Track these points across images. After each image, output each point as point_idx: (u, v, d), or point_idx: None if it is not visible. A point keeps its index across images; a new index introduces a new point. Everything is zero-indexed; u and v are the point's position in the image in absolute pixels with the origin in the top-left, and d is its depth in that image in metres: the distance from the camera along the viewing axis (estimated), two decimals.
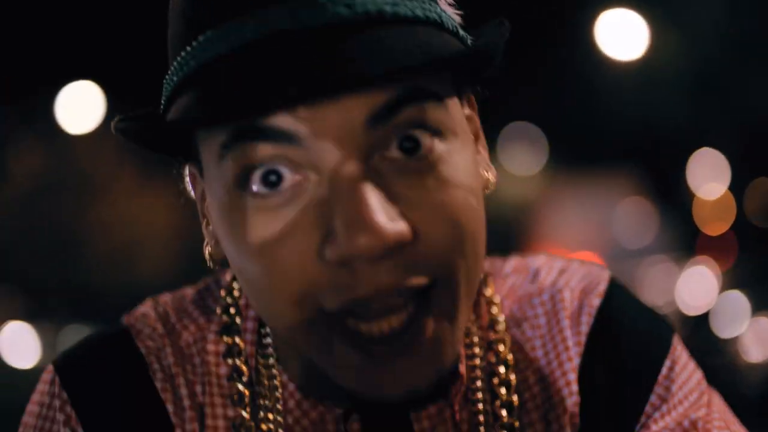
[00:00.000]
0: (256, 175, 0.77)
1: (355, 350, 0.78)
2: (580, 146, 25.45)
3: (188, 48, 0.77)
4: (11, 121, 20.22)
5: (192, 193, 0.93)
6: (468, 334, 0.96)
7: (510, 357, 0.96)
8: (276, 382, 0.91)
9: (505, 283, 1.02)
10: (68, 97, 21.34)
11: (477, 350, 0.95)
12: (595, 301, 0.99)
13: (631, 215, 21.76)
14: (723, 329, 11.22)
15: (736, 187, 22.54)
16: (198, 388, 0.93)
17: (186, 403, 0.93)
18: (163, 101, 0.83)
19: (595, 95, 21.48)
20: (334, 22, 0.73)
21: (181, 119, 0.77)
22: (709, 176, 23.24)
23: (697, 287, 12.50)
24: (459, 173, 0.79)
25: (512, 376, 0.95)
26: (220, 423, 0.93)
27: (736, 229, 18.45)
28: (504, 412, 0.93)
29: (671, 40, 19.39)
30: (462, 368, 0.92)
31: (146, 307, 1.00)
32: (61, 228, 22.24)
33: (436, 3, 0.82)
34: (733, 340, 11.45)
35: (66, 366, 0.95)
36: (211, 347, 0.95)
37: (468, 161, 0.81)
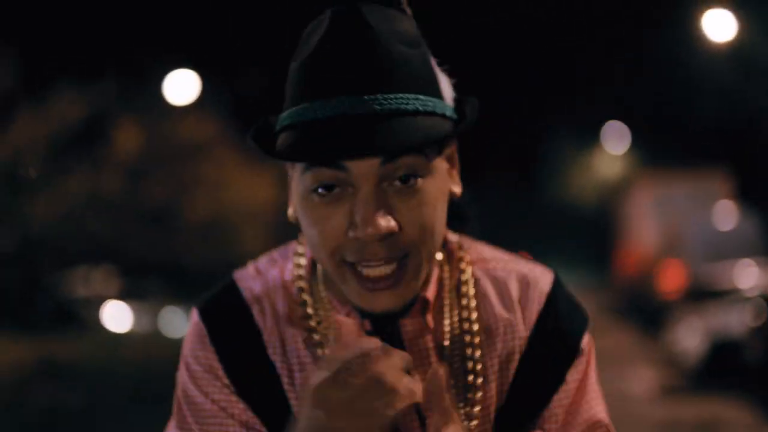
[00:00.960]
0: (321, 185, 1.38)
1: (360, 284, 1.39)
2: (675, 147, 25.24)
3: (294, 108, 1.39)
4: (117, 100, 20.75)
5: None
6: (441, 279, 1.54)
7: (472, 290, 1.54)
8: (324, 295, 1.52)
9: (477, 252, 1.60)
10: (173, 80, 21.91)
11: (447, 286, 1.54)
12: (545, 288, 1.56)
13: (726, 216, 21.44)
14: None
15: None
16: (279, 303, 1.54)
17: (269, 313, 1.53)
18: (280, 123, 1.43)
19: (692, 93, 21.31)
20: (372, 112, 1.34)
21: (284, 153, 1.38)
22: None
23: None
24: (429, 198, 1.39)
25: (473, 304, 1.53)
26: (295, 319, 1.52)
27: None
28: (467, 325, 1.51)
29: (763, 29, 19.12)
30: (429, 295, 1.50)
31: (249, 264, 1.61)
32: (162, 210, 22.72)
33: (431, 95, 1.40)
34: None
35: (203, 308, 1.55)
36: (287, 276, 1.56)
37: (436, 191, 1.41)
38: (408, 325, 1.50)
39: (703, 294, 15.79)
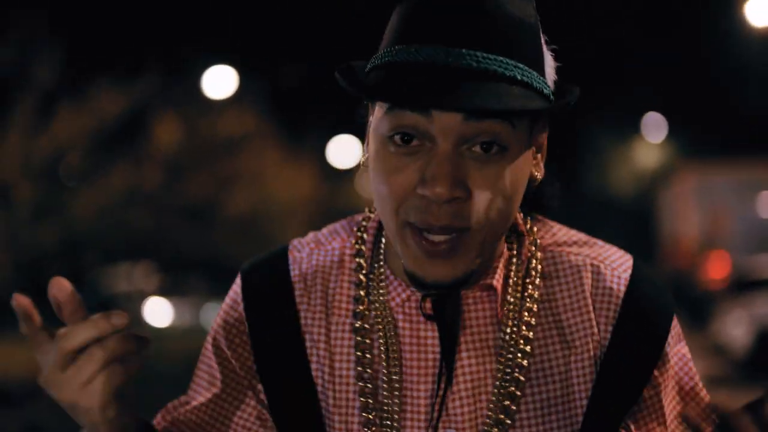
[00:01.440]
0: (399, 133, 1.31)
1: (419, 248, 1.32)
2: (717, 136, 24.99)
3: (394, 47, 1.31)
4: (157, 96, 20.85)
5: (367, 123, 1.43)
6: (508, 268, 1.46)
7: (538, 280, 1.45)
8: (383, 271, 1.45)
9: (552, 234, 1.51)
10: (212, 75, 22.01)
11: (513, 273, 1.45)
12: (625, 275, 1.46)
13: None
14: None
15: None
16: (332, 281, 1.47)
17: (319, 293, 1.46)
18: (371, 63, 1.36)
19: (734, 82, 21.08)
20: (467, 67, 1.27)
21: (369, 89, 1.33)
22: None
23: None
24: (507, 173, 1.32)
25: (536, 294, 1.44)
26: (344, 298, 1.45)
27: None
28: (526, 314, 1.43)
29: None
30: (496, 284, 1.41)
31: (310, 233, 1.55)
32: (202, 205, 22.81)
33: (532, 69, 1.32)
34: None
35: (246, 275, 1.49)
36: (347, 251, 1.49)
37: (516, 169, 1.33)
38: (471, 312, 1.43)
39: (747, 284, 15.71)
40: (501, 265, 1.44)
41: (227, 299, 1.50)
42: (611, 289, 1.45)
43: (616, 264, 1.48)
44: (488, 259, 1.40)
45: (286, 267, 1.49)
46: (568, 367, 1.42)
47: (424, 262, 1.33)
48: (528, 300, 1.44)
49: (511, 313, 1.43)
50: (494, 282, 1.42)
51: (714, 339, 16.02)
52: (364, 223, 1.51)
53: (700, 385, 1.49)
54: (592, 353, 1.43)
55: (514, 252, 1.47)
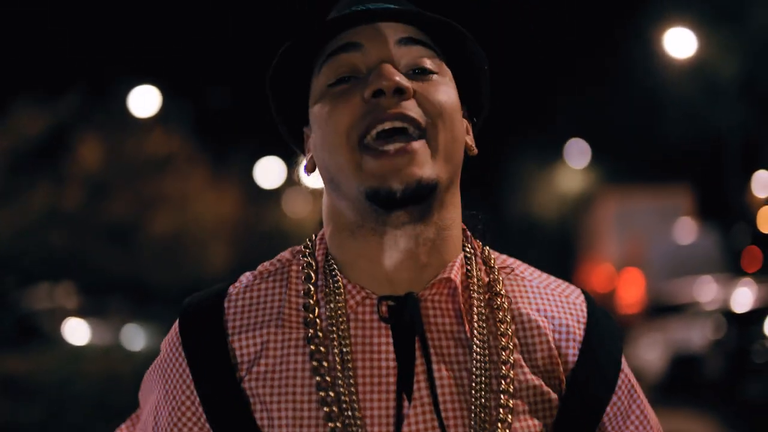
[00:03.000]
0: (337, 78, 1.37)
1: (376, 158, 1.31)
2: (638, 161, 25.43)
3: (327, 17, 1.41)
4: (80, 115, 20.59)
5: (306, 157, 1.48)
6: (468, 261, 1.44)
7: (501, 287, 1.43)
8: (336, 279, 1.39)
9: (503, 258, 1.50)
10: (136, 95, 21.85)
11: (473, 268, 1.43)
12: (580, 297, 1.49)
13: (687, 231, 21.62)
14: None
15: None
16: (278, 298, 1.41)
17: (258, 309, 1.41)
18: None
19: (655, 110, 21.48)
20: (392, 5, 1.38)
21: (305, 36, 1.37)
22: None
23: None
24: (445, 90, 1.37)
25: (506, 303, 1.42)
26: (294, 312, 1.40)
27: None
28: (501, 320, 1.40)
29: (721, 46, 19.32)
30: (454, 276, 1.37)
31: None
32: (124, 226, 22.54)
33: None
34: None
35: (186, 304, 1.46)
36: (294, 267, 1.44)
37: (452, 93, 1.38)
38: (430, 315, 1.37)
39: (663, 308, 15.92)
40: (458, 263, 1.40)
41: (164, 345, 1.46)
42: (573, 306, 1.46)
43: (567, 286, 1.50)
44: (447, 186, 1.37)
45: (221, 289, 1.45)
46: (531, 384, 1.38)
47: (384, 168, 1.31)
48: (498, 297, 1.42)
49: (476, 313, 1.39)
50: (452, 276, 1.37)
51: (629, 363, 16.21)
52: (309, 241, 1.47)
53: (649, 407, 1.50)
54: (556, 374, 1.40)
55: (469, 252, 1.45)
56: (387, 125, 1.32)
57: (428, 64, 1.37)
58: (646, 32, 19.33)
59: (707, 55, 19.33)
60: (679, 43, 18.75)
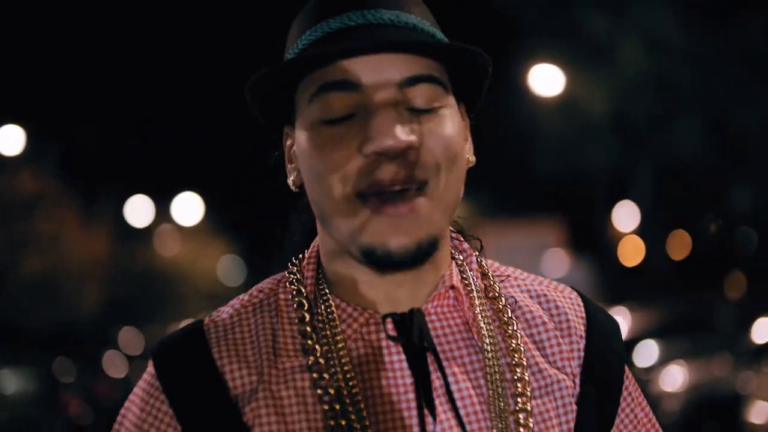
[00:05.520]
0: (330, 116, 1.24)
1: (374, 214, 1.22)
2: (508, 195, 25.91)
3: (314, 28, 1.27)
4: None
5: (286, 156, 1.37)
6: (462, 269, 1.38)
7: (499, 289, 1.39)
8: (329, 302, 1.31)
9: (495, 266, 1.45)
10: (2, 135, 21.32)
11: (468, 275, 1.38)
12: (578, 299, 1.44)
13: (557, 264, 22.10)
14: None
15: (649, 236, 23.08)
16: (268, 333, 1.32)
17: (251, 350, 1.31)
18: (289, 53, 1.31)
19: (521, 146, 21.96)
20: (388, 22, 1.26)
21: (299, 59, 1.22)
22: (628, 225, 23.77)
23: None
24: (451, 127, 1.27)
25: (509, 310, 1.37)
26: (290, 341, 1.31)
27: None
28: (505, 316, 1.36)
29: (589, 84, 19.88)
30: (456, 282, 1.33)
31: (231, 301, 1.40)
32: None
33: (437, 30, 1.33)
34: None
35: (157, 349, 1.34)
36: (281, 296, 1.35)
37: (458, 127, 1.29)
38: (436, 321, 1.33)
39: None
40: (453, 271, 1.35)
41: (137, 393, 1.35)
42: (572, 308, 1.42)
43: (558, 284, 1.46)
44: (446, 229, 1.31)
45: (200, 327, 1.34)
46: (552, 380, 1.35)
47: (382, 228, 1.23)
48: (496, 301, 1.38)
49: (482, 318, 1.35)
50: (455, 283, 1.33)
51: None
52: (296, 262, 1.38)
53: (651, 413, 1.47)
54: (569, 370, 1.37)
55: (460, 259, 1.40)
56: (389, 188, 1.22)
57: (436, 102, 1.27)
58: (515, 69, 19.78)
59: (575, 91, 19.90)
60: (547, 80, 19.26)
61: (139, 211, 29.25)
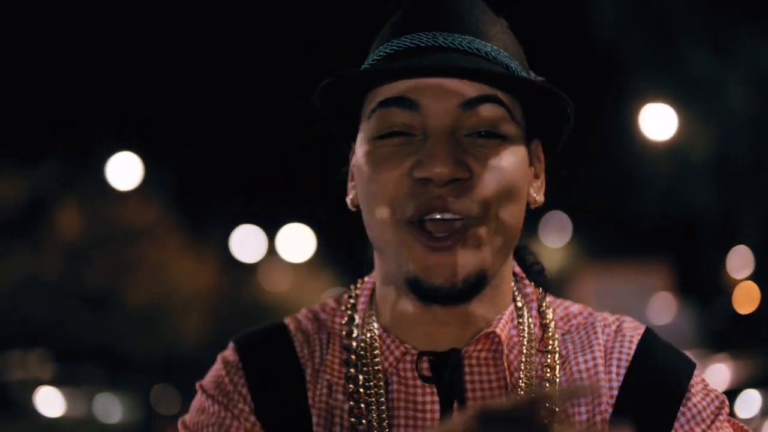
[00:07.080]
0: (389, 131, 1.24)
1: (421, 244, 1.21)
2: (614, 237, 25.53)
3: (387, 43, 1.29)
4: (59, 183, 20.50)
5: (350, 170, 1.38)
6: (520, 315, 1.34)
7: (556, 339, 1.34)
8: (374, 332, 1.33)
9: (559, 302, 1.41)
10: (116, 163, 21.79)
11: (525, 331, 1.33)
12: (636, 338, 1.36)
13: (663, 308, 21.63)
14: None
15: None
16: (324, 342, 1.37)
17: (317, 360, 1.36)
18: (367, 62, 1.33)
19: (630, 189, 21.63)
20: (454, 47, 1.25)
21: (360, 76, 1.27)
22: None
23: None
24: (508, 161, 1.24)
25: (556, 357, 1.32)
26: (336, 364, 1.34)
27: None
28: (548, 374, 1.31)
29: (698, 125, 19.50)
30: (500, 332, 1.28)
31: (302, 310, 1.45)
32: (101, 293, 22.32)
33: (521, 65, 1.30)
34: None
35: (241, 344, 1.39)
36: (337, 320, 1.39)
37: (520, 160, 1.25)
38: (474, 373, 1.30)
39: None
40: (507, 316, 1.31)
41: (213, 374, 1.41)
42: (622, 347, 1.34)
43: (629, 326, 1.38)
44: (498, 268, 1.27)
45: (287, 336, 1.40)
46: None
47: (428, 260, 1.22)
48: (548, 356, 1.32)
49: (524, 371, 1.30)
50: (497, 330, 1.29)
51: None
52: (355, 293, 1.42)
53: None
54: (605, 412, 1.31)
55: (521, 302, 1.36)
56: (436, 215, 1.22)
57: (497, 128, 1.25)
58: (624, 109, 19.51)
59: (683, 133, 19.53)
60: (657, 120, 18.93)
61: (246, 241, 29.33)
